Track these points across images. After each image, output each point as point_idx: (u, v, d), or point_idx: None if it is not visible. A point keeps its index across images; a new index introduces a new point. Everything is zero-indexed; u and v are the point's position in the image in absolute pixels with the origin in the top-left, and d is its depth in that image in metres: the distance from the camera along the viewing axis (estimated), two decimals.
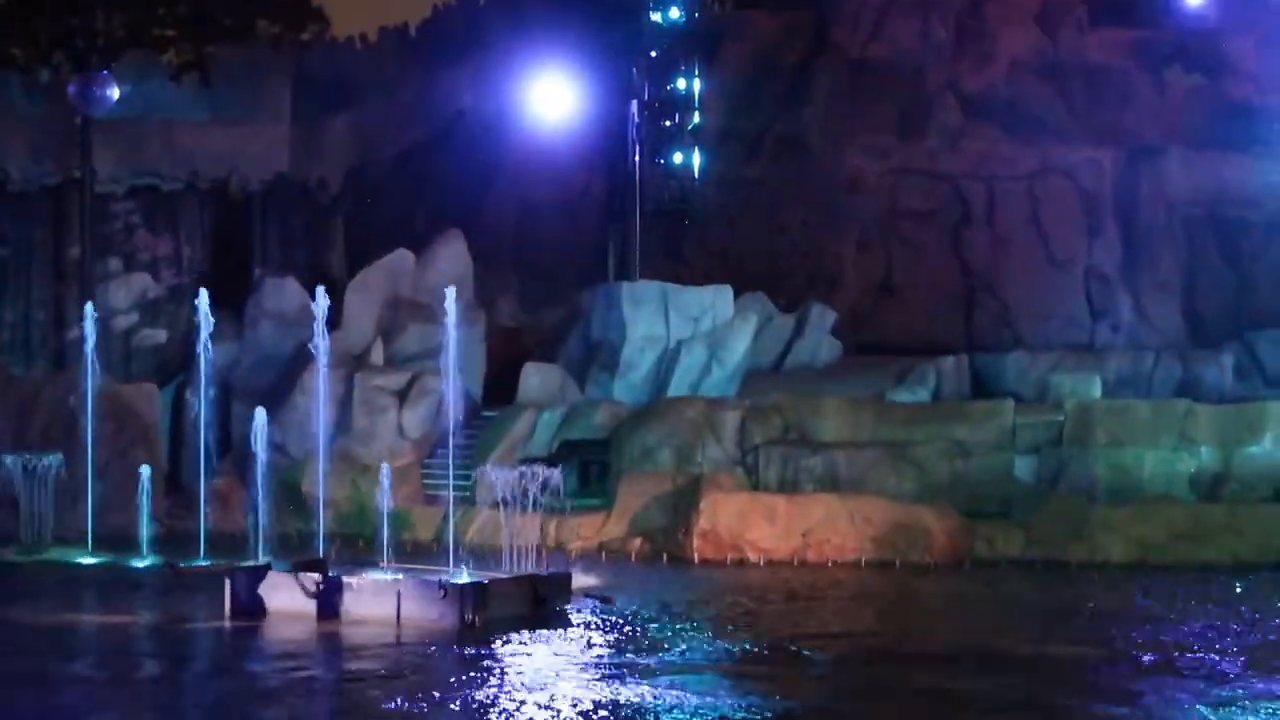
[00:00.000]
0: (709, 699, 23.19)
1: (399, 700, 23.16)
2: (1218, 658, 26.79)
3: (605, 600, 32.54)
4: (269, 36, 74.35)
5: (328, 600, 30.76)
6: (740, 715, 22.23)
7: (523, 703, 22.80)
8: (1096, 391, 46.63)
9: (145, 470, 40.90)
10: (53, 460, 42.24)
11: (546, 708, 22.48)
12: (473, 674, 25.06)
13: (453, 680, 24.56)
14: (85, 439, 42.32)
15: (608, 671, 25.34)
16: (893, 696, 24.20)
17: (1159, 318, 58.06)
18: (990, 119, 60.10)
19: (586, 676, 24.96)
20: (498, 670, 25.52)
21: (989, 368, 52.52)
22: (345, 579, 31.51)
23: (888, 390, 49.68)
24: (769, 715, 22.30)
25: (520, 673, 25.29)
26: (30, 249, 55.29)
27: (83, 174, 54.72)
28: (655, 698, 23.17)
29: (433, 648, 27.75)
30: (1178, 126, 60.83)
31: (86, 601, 33.98)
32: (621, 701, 22.83)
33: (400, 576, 32.20)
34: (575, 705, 22.64)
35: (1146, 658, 26.88)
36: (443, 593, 29.89)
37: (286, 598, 31.37)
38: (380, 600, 30.67)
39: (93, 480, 41.99)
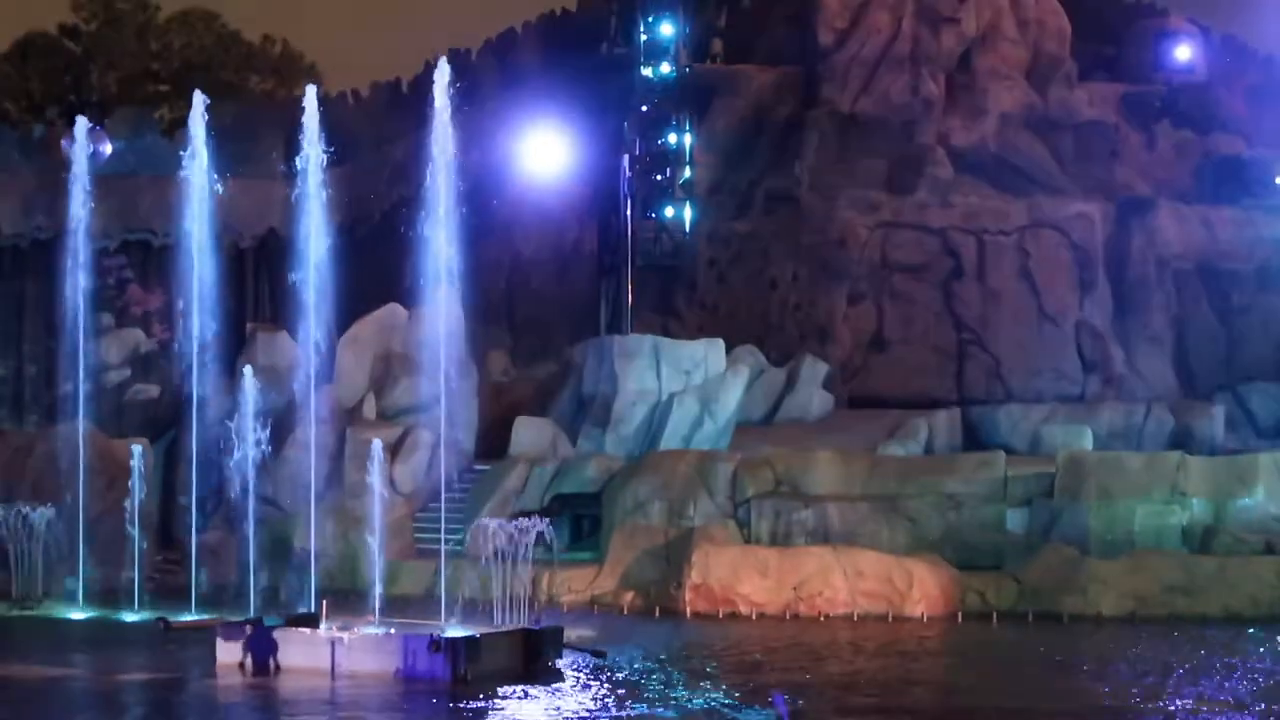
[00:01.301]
0: None
1: None
2: None
3: (598, 654, 32.43)
4: (262, 93, 74.66)
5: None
6: None
7: None
8: (1088, 444, 46.69)
9: (137, 539, 40.77)
10: (44, 514, 42.15)
11: None
12: None
13: None
14: (77, 493, 42.25)
15: None
16: None
17: (1150, 370, 58.21)
18: (980, 173, 60.33)
19: None
20: None
21: (981, 421, 52.60)
22: (339, 633, 31.48)
23: (880, 443, 49.71)
24: None
25: None
26: (22, 303, 55.32)
27: (74, 229, 54.75)
28: None
29: (429, 700, 27.65)
30: (1168, 180, 61.19)
31: (76, 657, 33.84)
32: None
33: (392, 630, 32.16)
34: None
35: None
36: (435, 646, 29.80)
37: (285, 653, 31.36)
38: (372, 655, 30.61)
39: (84, 534, 41.91)
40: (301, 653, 31.25)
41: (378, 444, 35.94)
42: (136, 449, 43.76)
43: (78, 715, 27.46)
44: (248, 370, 41.15)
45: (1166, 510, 42.33)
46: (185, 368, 41.13)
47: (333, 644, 30.82)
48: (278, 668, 30.86)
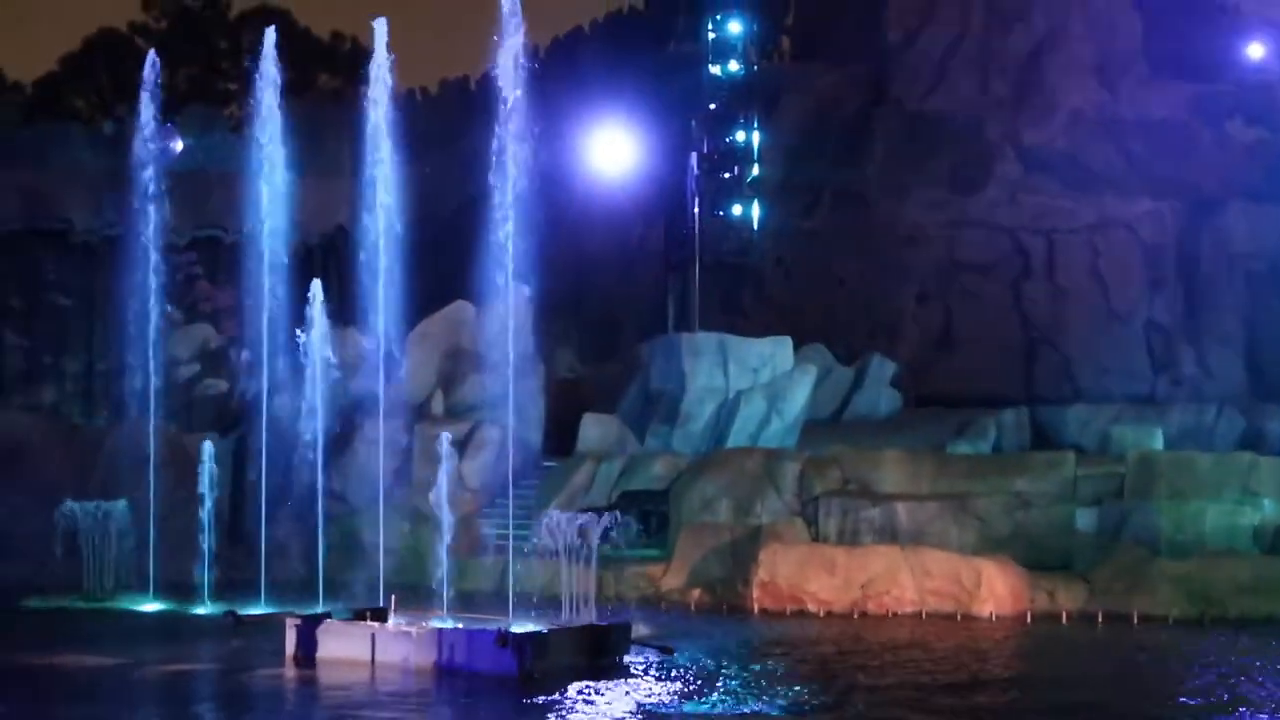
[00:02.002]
0: None
1: None
2: None
3: (665, 650, 32.41)
4: (330, 90, 74.90)
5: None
6: None
7: None
8: (1158, 444, 46.38)
9: (207, 533, 40.97)
10: (116, 508, 42.44)
11: None
12: None
13: None
14: (148, 488, 42.50)
15: None
16: None
17: (1220, 370, 57.82)
18: (1050, 172, 60.04)
19: None
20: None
21: (1050, 420, 52.34)
22: (405, 628, 31.62)
23: (948, 442, 49.54)
24: None
25: None
26: (93, 299, 55.68)
27: (145, 226, 55.10)
28: None
29: (493, 697, 27.68)
30: (1239, 179, 60.67)
31: (149, 649, 34.02)
32: None
33: (460, 625, 32.24)
34: None
35: None
36: (502, 642, 29.83)
37: (343, 646, 31.49)
38: (434, 649, 30.70)
39: (155, 528, 42.15)
40: (341, 645, 31.42)
41: (446, 437, 35.93)
42: (206, 444, 44.03)
43: (147, 704, 27.58)
44: (318, 366, 41.22)
45: (1237, 511, 41.99)
46: (255, 363, 41.27)
47: (373, 637, 30.98)
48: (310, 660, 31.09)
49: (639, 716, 25.79)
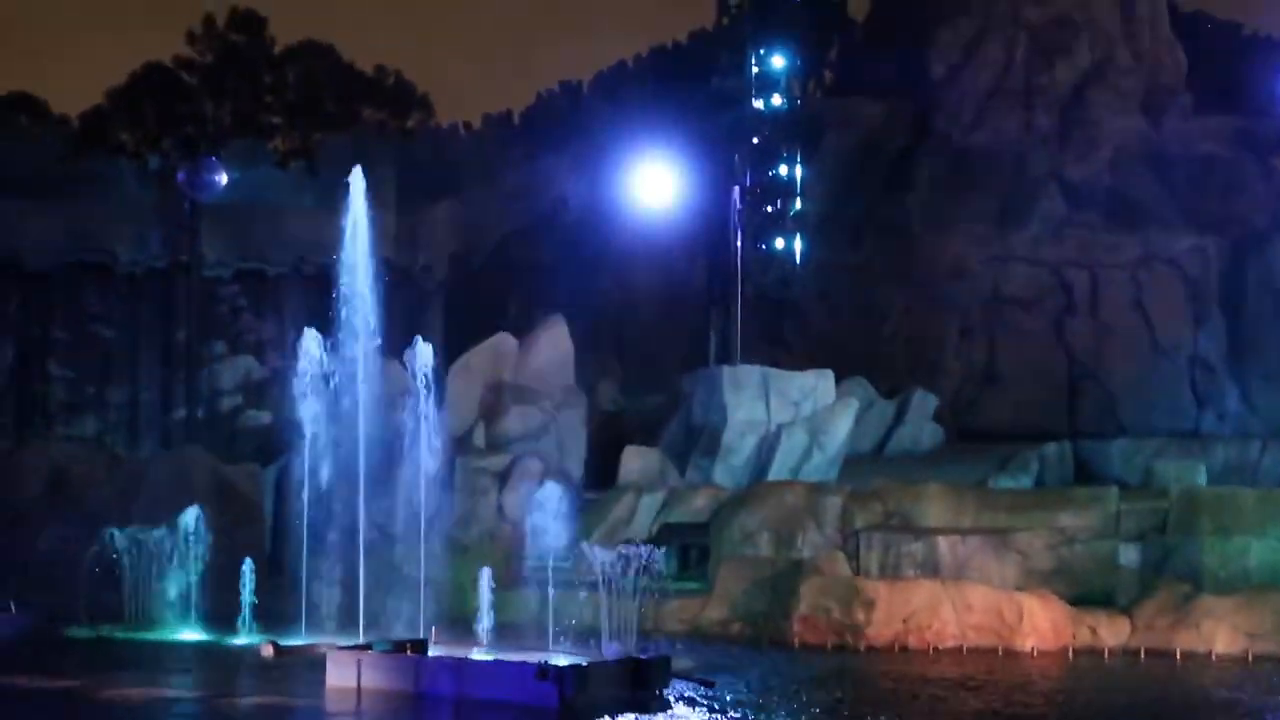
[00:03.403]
0: None
1: None
2: None
3: (706, 683, 32.30)
4: (374, 123, 75.17)
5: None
6: None
7: None
8: (1202, 479, 46.10)
9: (248, 563, 41.01)
10: (158, 535, 42.55)
11: None
12: None
13: None
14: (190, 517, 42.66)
15: None
16: None
17: (1266, 406, 57.57)
18: (1093, 206, 59.99)
19: None
20: None
21: (1093, 454, 52.13)
22: (447, 659, 31.65)
23: (990, 477, 49.37)
24: None
25: None
26: (137, 331, 55.95)
27: (190, 258, 55.42)
28: None
29: None
30: None
31: (185, 678, 34.07)
32: None
33: (501, 657, 32.26)
34: None
35: None
36: (543, 675, 29.78)
37: (384, 677, 31.50)
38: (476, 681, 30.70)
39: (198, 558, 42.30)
40: (382, 676, 31.50)
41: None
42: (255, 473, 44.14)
43: None
44: (360, 396, 41.30)
45: None
46: (298, 394, 41.41)
47: (416, 668, 31.04)
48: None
49: None
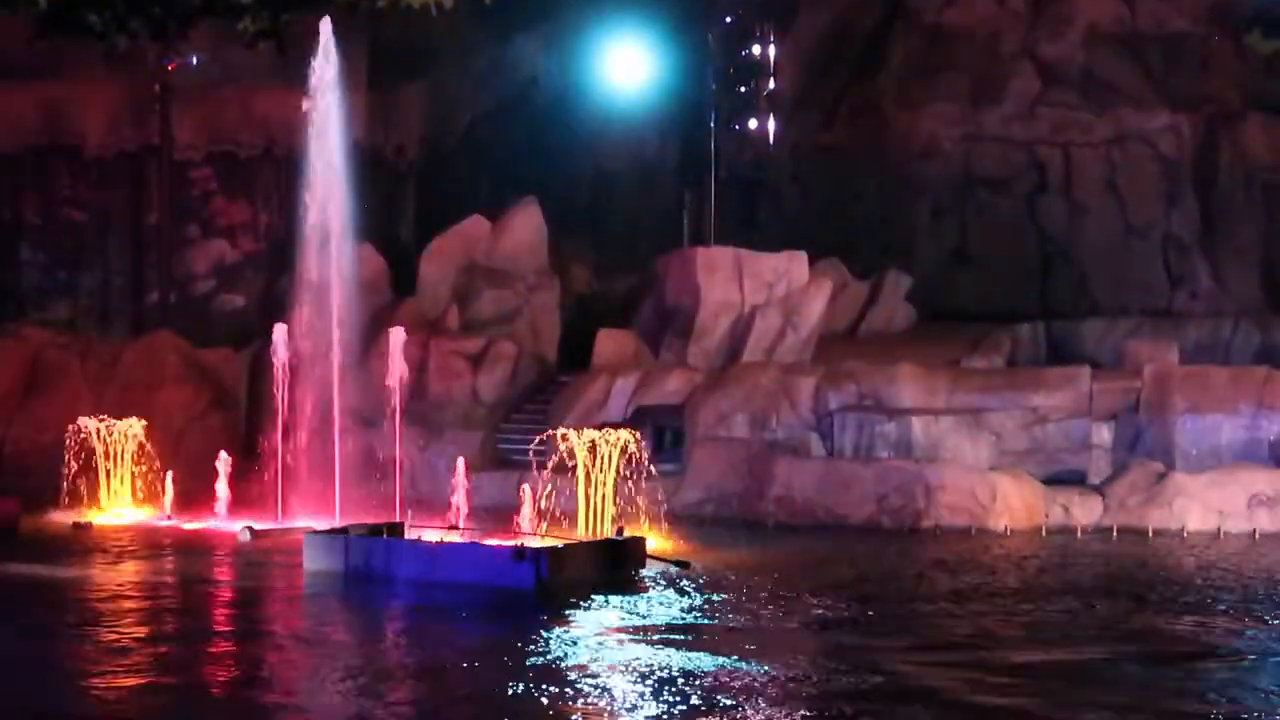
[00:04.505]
0: (780, 661, 23.19)
1: (467, 657, 23.33)
2: None
3: (681, 565, 32.52)
4: (345, 4, 74.37)
5: None
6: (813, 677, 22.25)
7: (586, 668, 22.88)
8: (1174, 358, 46.31)
9: (223, 455, 40.99)
10: (132, 424, 42.53)
11: (620, 671, 22.55)
12: (540, 636, 25.11)
13: (519, 642, 24.56)
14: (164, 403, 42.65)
15: (679, 637, 25.31)
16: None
17: (1237, 284, 57.74)
18: (1067, 85, 59.81)
19: (653, 641, 24.91)
20: (569, 634, 25.57)
21: (1065, 334, 52.37)
22: (422, 542, 31.84)
23: (963, 357, 49.52)
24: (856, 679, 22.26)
25: (593, 638, 25.31)
26: (108, 215, 55.67)
27: (161, 141, 55.05)
28: (722, 661, 23.17)
29: (506, 611, 27.80)
30: (1258, 92, 60.34)
31: (165, 563, 34.21)
32: (691, 669, 22.81)
33: (474, 540, 32.44)
34: (648, 669, 22.69)
35: None
36: (519, 557, 29.95)
37: (359, 561, 31.71)
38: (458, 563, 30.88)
39: (171, 444, 42.32)
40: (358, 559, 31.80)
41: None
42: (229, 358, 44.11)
43: (171, 618, 27.74)
44: (334, 280, 41.24)
45: (1253, 424, 42.01)
46: (272, 277, 41.35)
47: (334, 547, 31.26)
48: None
49: (647, 631, 25.87)
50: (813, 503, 40.76)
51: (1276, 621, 27.04)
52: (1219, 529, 38.96)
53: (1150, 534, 38.81)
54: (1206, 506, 39.58)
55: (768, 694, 21.27)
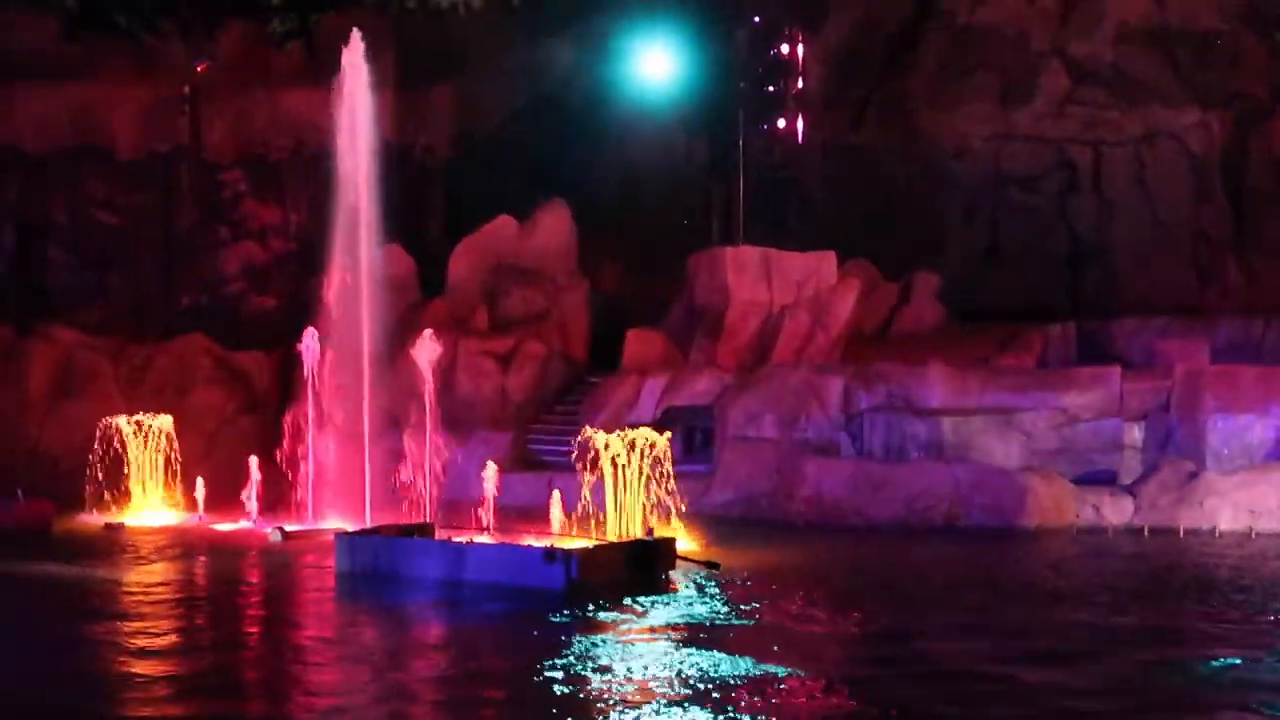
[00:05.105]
0: (805, 663, 23.20)
1: (499, 658, 23.36)
2: None
3: (710, 566, 32.51)
4: (373, 5, 74.52)
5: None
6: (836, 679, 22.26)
7: (616, 669, 22.90)
8: (1205, 357, 46.15)
9: (254, 460, 41.03)
10: (163, 423, 42.65)
11: (649, 671, 22.58)
12: (571, 637, 25.15)
13: (550, 643, 24.61)
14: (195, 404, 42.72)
15: (708, 637, 25.32)
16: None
17: (1268, 282, 57.45)
18: (1097, 83, 59.63)
19: (682, 642, 24.93)
20: (598, 636, 25.60)
21: (1096, 333, 52.14)
22: (453, 543, 31.87)
23: (993, 356, 49.41)
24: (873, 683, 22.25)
25: (623, 639, 25.34)
26: (138, 218, 55.80)
27: (190, 142, 55.19)
28: (750, 663, 23.19)
29: (536, 612, 27.83)
30: None
31: (193, 564, 34.31)
32: (716, 671, 22.82)
33: (505, 541, 32.48)
34: (677, 670, 22.71)
35: None
36: (549, 558, 29.98)
37: (388, 562, 31.75)
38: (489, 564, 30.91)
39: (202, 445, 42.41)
40: (387, 560, 31.88)
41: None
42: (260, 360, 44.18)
43: (203, 620, 27.84)
44: (364, 281, 41.28)
45: None
46: (304, 279, 41.43)
47: (365, 548, 31.20)
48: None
49: (675, 631, 25.90)
50: (842, 503, 40.71)
51: None
52: (1250, 529, 38.85)
53: (1181, 533, 38.70)
54: (1237, 506, 39.46)
55: (797, 696, 21.27)
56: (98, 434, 42.37)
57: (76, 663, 24.03)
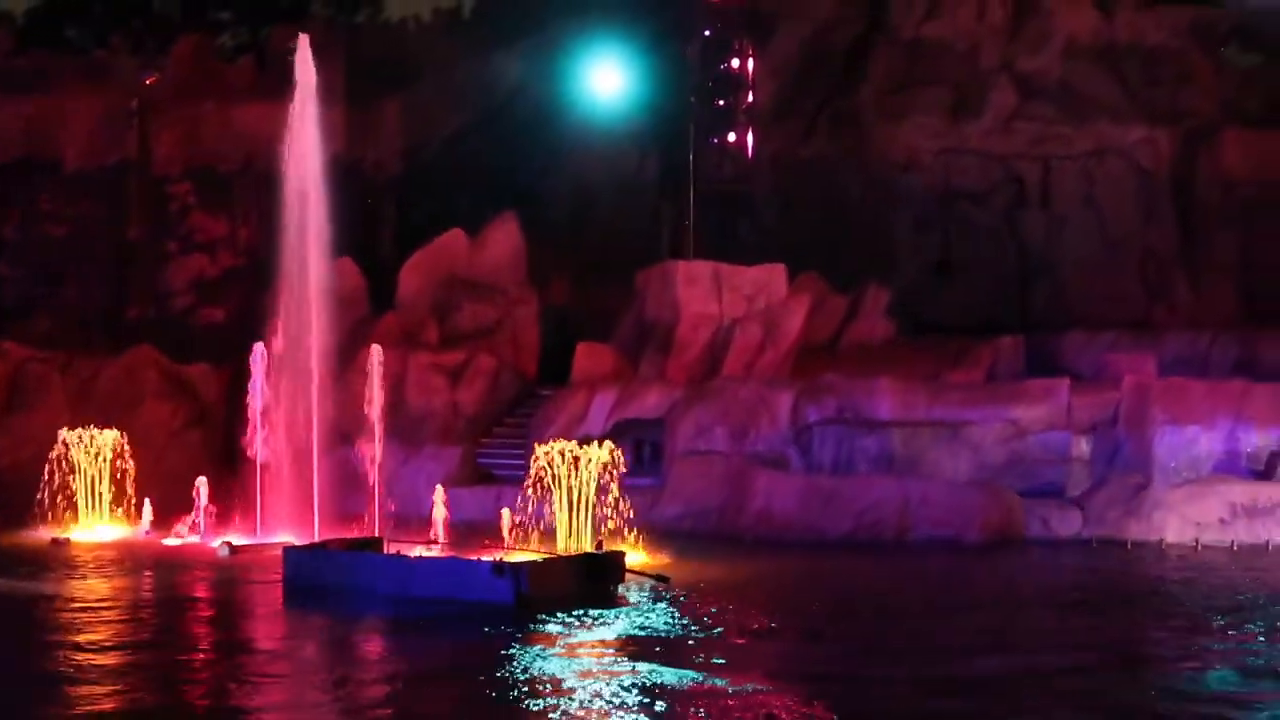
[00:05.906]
0: (754, 676, 23.21)
1: (446, 671, 23.31)
2: None
3: (660, 579, 32.49)
4: (323, 19, 74.45)
5: None
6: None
7: (564, 682, 22.88)
8: (1152, 370, 46.34)
9: (202, 479, 40.77)
10: (111, 436, 42.40)
11: (597, 684, 22.55)
12: (521, 651, 25.12)
13: (498, 656, 24.58)
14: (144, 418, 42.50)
15: (657, 650, 25.32)
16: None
17: (1215, 297, 57.77)
18: (1046, 99, 59.89)
19: (632, 655, 24.92)
20: (546, 649, 25.57)
21: (1044, 347, 52.30)
22: (401, 557, 31.81)
23: (943, 370, 49.52)
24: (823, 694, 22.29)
25: (572, 652, 25.31)
26: (87, 231, 55.57)
27: (139, 156, 55.01)
28: (699, 677, 23.19)
29: (486, 626, 27.77)
30: (1236, 105, 60.51)
31: (142, 579, 34.14)
32: (665, 684, 22.82)
33: (454, 555, 32.41)
34: (626, 682, 22.70)
35: None
36: (498, 571, 29.93)
37: (337, 576, 31.67)
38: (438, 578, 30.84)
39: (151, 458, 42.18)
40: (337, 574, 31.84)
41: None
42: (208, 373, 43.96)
43: (147, 634, 27.71)
44: (313, 295, 41.14)
45: (1231, 437, 42.05)
46: (253, 292, 41.28)
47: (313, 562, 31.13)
48: None
49: (625, 645, 25.89)
50: (792, 518, 40.70)
51: None
52: (1196, 541, 39.02)
53: (1129, 546, 38.85)
54: (1184, 518, 39.66)
55: (740, 708, 21.28)
56: (53, 448, 42.02)
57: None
